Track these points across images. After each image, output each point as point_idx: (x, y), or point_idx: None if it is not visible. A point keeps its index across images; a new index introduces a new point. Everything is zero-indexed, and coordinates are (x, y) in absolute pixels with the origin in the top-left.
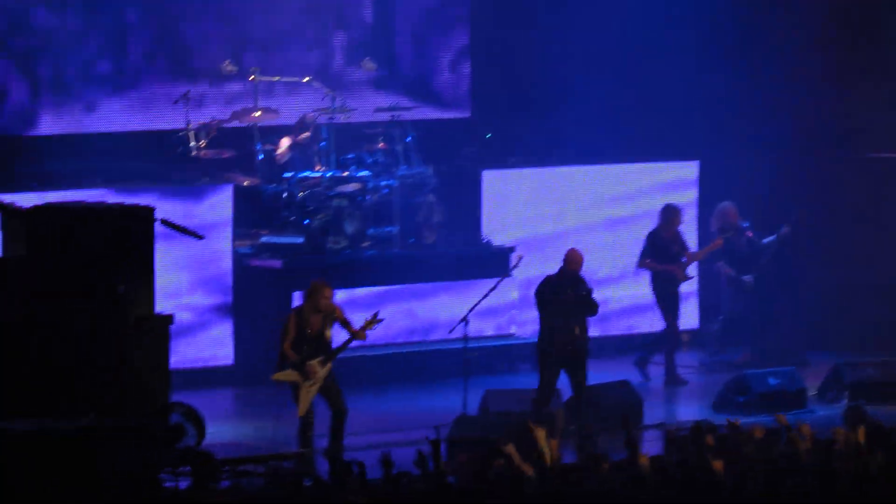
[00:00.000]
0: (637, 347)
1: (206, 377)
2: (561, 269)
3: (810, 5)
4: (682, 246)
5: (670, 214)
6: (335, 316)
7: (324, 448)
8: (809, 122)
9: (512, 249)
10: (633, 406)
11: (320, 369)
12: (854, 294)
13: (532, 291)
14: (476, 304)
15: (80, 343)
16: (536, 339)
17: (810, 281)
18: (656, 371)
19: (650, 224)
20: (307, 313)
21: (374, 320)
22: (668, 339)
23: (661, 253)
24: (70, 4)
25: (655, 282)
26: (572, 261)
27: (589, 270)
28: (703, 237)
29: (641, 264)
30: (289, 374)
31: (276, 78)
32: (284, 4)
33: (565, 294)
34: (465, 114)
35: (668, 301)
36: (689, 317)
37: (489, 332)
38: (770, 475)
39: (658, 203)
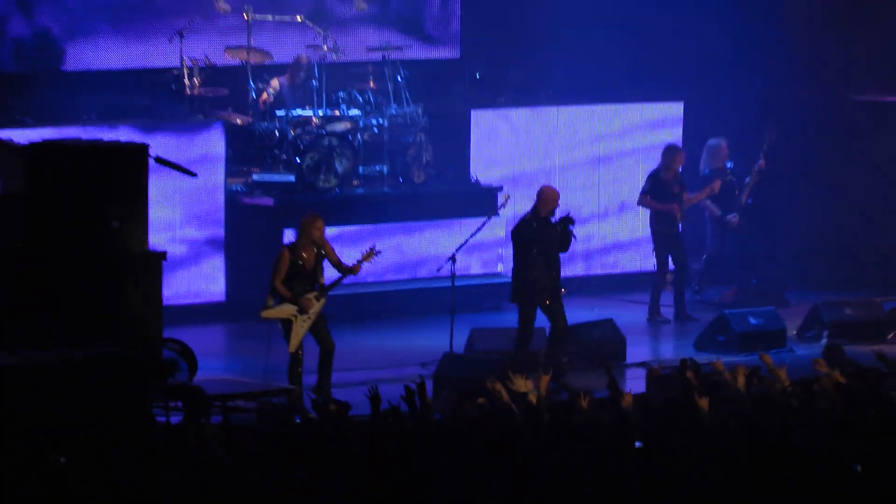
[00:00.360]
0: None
1: (198, 312)
2: (535, 208)
3: None
4: (682, 186)
5: (672, 154)
6: (325, 251)
7: (312, 385)
8: (797, 62)
9: (500, 189)
10: (616, 344)
11: (315, 304)
12: (835, 233)
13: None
14: (464, 243)
15: (76, 277)
16: (511, 279)
17: (792, 220)
18: (642, 309)
19: (634, 163)
20: (300, 248)
21: (372, 253)
22: (664, 280)
23: (662, 192)
24: None
25: (653, 220)
26: (546, 197)
27: (574, 208)
28: (692, 175)
29: (641, 202)
30: (281, 311)
31: (269, 17)
32: None
33: (546, 233)
34: (455, 54)
35: (661, 240)
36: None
37: (476, 270)
38: (752, 413)
39: (642, 142)
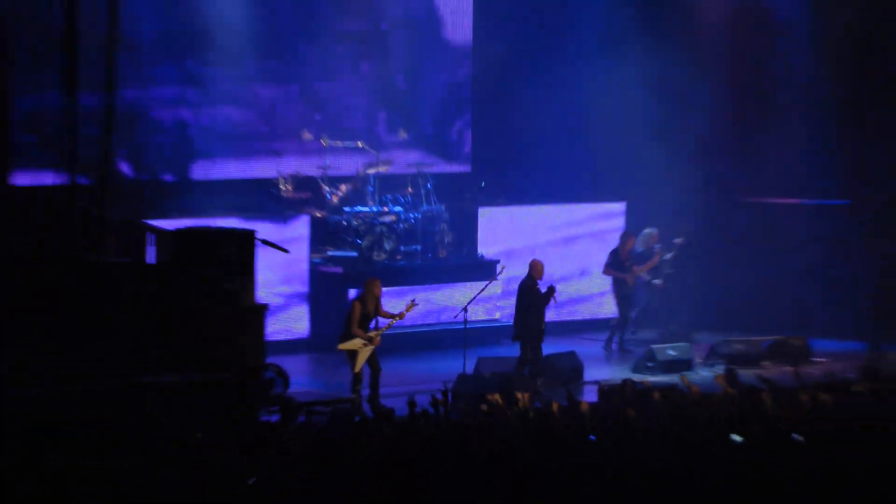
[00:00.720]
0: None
1: (290, 345)
2: (529, 274)
3: (720, 75)
4: (634, 260)
5: (626, 238)
6: (380, 303)
7: (367, 395)
8: (704, 171)
9: (497, 261)
10: (577, 369)
11: (375, 339)
12: (731, 295)
13: (514, 288)
14: (473, 298)
15: (208, 323)
16: (514, 323)
17: (701, 285)
18: (596, 345)
19: (591, 243)
20: (366, 301)
21: (412, 305)
22: (620, 324)
23: (619, 265)
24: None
25: (614, 284)
26: (535, 268)
27: (550, 273)
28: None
29: (605, 271)
30: (352, 344)
31: (339, 143)
32: (347, 90)
33: (537, 294)
34: (467, 168)
35: (621, 298)
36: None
37: (481, 317)
38: (670, 417)
39: (597, 228)
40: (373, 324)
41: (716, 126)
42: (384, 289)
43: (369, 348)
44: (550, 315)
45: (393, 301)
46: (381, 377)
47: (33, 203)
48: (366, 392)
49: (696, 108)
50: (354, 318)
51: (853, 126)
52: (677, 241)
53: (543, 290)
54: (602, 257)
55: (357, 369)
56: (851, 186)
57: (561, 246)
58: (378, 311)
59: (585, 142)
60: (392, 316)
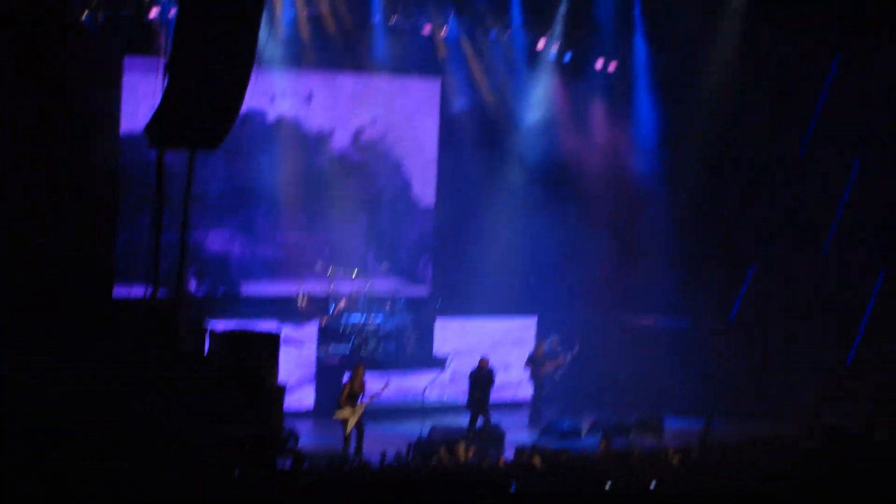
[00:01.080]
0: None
1: (300, 414)
2: (479, 366)
3: (603, 229)
4: (546, 358)
5: (539, 343)
6: (363, 383)
7: (354, 449)
8: (594, 294)
9: (447, 357)
10: (501, 436)
11: (360, 409)
12: (609, 382)
13: (467, 376)
14: (429, 384)
15: (249, 399)
16: (467, 401)
17: (588, 374)
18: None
19: (512, 347)
20: (354, 382)
21: (386, 385)
22: (535, 403)
23: (534, 361)
24: (246, 240)
25: (532, 375)
26: (483, 363)
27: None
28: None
29: (526, 364)
30: (343, 413)
31: (341, 271)
32: (348, 235)
33: (483, 380)
34: (427, 291)
35: (536, 385)
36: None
37: (435, 397)
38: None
39: (517, 336)
40: (360, 398)
41: (599, 264)
42: (369, 374)
43: (356, 416)
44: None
45: (374, 382)
46: (364, 437)
47: (127, 307)
48: (353, 446)
49: (587, 250)
50: (344, 394)
51: (695, 266)
52: (575, 349)
53: (485, 377)
54: (519, 357)
55: (347, 432)
56: (694, 307)
57: (494, 346)
58: (362, 389)
59: (510, 273)
60: (371, 393)
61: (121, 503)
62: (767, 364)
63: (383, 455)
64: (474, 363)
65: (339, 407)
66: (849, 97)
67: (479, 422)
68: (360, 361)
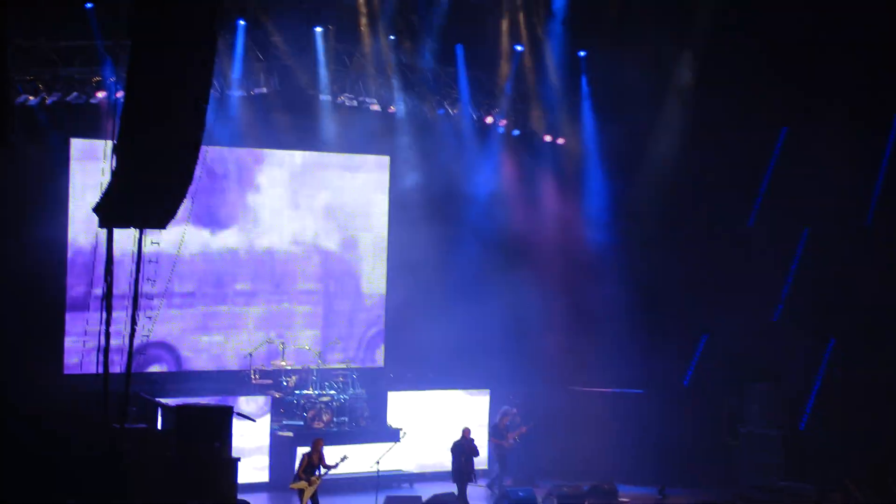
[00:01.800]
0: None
1: (255, 487)
2: (462, 436)
3: (555, 301)
4: (508, 430)
5: (504, 415)
6: (322, 456)
7: None
8: (535, 364)
9: (400, 429)
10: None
11: (317, 481)
12: (563, 452)
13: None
14: (383, 455)
15: (200, 469)
16: (452, 472)
17: (541, 446)
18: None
19: (464, 418)
20: (313, 454)
21: (343, 459)
22: (499, 473)
23: (499, 433)
24: None
25: (494, 446)
26: (466, 433)
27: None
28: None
29: (489, 439)
30: (300, 484)
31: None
32: (304, 322)
33: (466, 449)
34: (380, 364)
35: (499, 455)
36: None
37: (391, 466)
38: None
39: (469, 408)
40: (317, 471)
41: (552, 336)
42: (325, 448)
43: (313, 487)
44: (439, 465)
45: (329, 454)
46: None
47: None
48: None
49: (539, 323)
50: (303, 466)
51: (648, 336)
52: (531, 423)
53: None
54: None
55: (304, 503)
56: (647, 377)
57: (446, 417)
58: (321, 461)
59: (462, 346)
60: (328, 466)
61: None
62: (720, 431)
63: None
64: (455, 435)
65: (297, 478)
66: (796, 168)
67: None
68: (319, 435)
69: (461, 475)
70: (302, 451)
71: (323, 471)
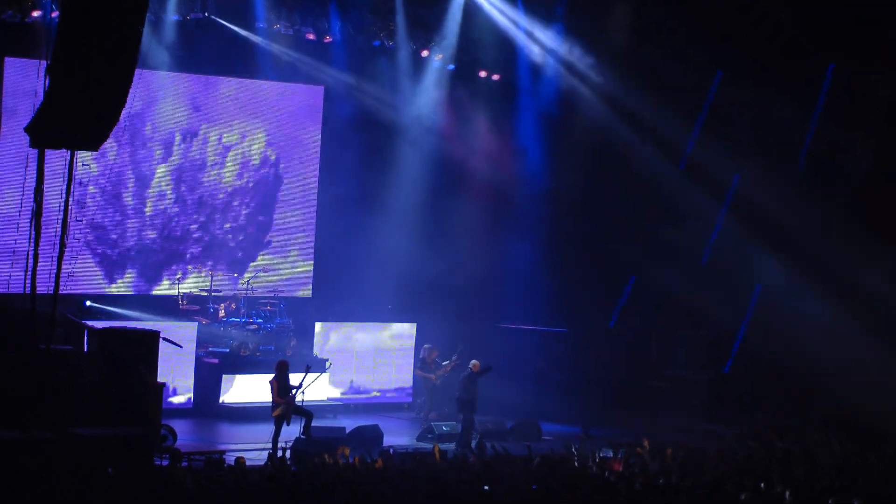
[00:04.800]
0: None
1: (178, 412)
2: (470, 370)
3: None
4: (438, 366)
5: (431, 350)
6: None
7: (295, 439)
8: (476, 303)
9: (326, 360)
10: (379, 437)
11: (292, 402)
12: (487, 389)
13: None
14: (307, 385)
15: (124, 394)
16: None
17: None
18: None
19: (395, 355)
20: (280, 377)
21: (307, 371)
22: (427, 407)
23: (426, 368)
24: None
25: (422, 380)
26: (474, 366)
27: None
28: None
29: (415, 373)
30: (279, 410)
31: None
32: (229, 234)
33: (472, 383)
34: (308, 293)
35: (427, 390)
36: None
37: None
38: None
39: (398, 346)
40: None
41: (478, 271)
42: (246, 376)
43: (291, 406)
44: (363, 397)
45: (247, 382)
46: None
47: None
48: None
49: (466, 259)
50: (275, 391)
51: (571, 278)
52: (454, 358)
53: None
54: (398, 362)
55: (288, 424)
56: (574, 317)
57: (372, 351)
58: (288, 381)
59: (389, 281)
60: (300, 385)
61: None
62: (645, 372)
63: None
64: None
65: (275, 406)
66: (729, 113)
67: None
68: (241, 364)
69: (462, 406)
70: (231, 377)
71: (294, 391)
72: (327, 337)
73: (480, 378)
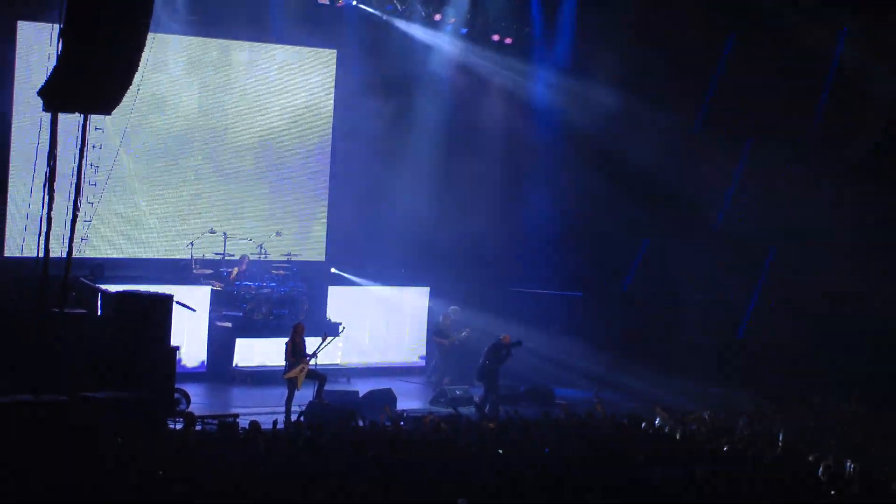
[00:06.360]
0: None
1: (192, 376)
2: (500, 341)
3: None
4: (451, 330)
5: (446, 316)
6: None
7: (309, 403)
8: (490, 268)
9: (340, 323)
10: (392, 399)
11: (306, 366)
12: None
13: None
14: (321, 348)
15: (141, 356)
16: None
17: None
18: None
19: (412, 319)
20: (296, 339)
21: (324, 339)
22: (440, 371)
23: (441, 331)
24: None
25: (436, 345)
26: (504, 338)
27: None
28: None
29: (433, 334)
30: (293, 372)
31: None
32: (242, 199)
33: (500, 354)
34: (321, 257)
35: (441, 354)
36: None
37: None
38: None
39: (415, 306)
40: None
41: (493, 235)
42: (261, 339)
43: (304, 369)
44: (376, 360)
45: (256, 347)
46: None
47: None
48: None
49: (481, 223)
50: (289, 352)
51: (584, 242)
52: (467, 330)
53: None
54: (412, 326)
55: (299, 388)
56: (583, 283)
57: (385, 315)
58: (304, 345)
59: (403, 245)
60: (315, 352)
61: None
62: (657, 337)
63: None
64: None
65: (289, 367)
66: (743, 77)
67: (482, 393)
68: (255, 327)
69: (483, 375)
70: (243, 342)
71: (312, 353)
72: (341, 298)
73: (507, 351)
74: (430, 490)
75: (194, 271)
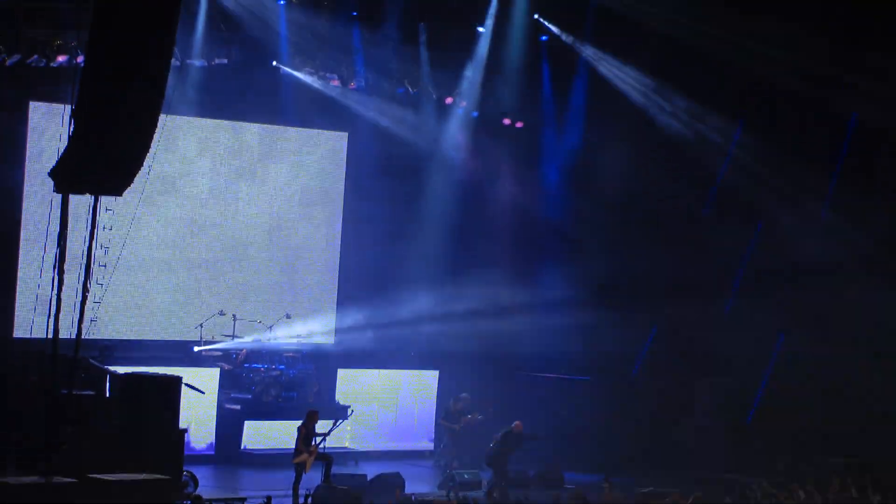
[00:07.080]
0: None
1: (200, 457)
2: (512, 428)
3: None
4: (461, 414)
5: (457, 401)
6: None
7: (317, 486)
8: (500, 353)
9: (348, 406)
10: (401, 483)
11: (315, 450)
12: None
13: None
14: (330, 430)
15: (145, 438)
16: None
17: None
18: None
19: (414, 402)
20: (308, 425)
21: (335, 423)
22: (451, 455)
23: (451, 417)
24: None
25: (446, 429)
26: (517, 426)
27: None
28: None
29: (442, 418)
30: (301, 458)
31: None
32: (252, 282)
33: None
34: (332, 341)
35: (451, 439)
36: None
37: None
38: None
39: (415, 392)
40: (314, 441)
41: (501, 320)
42: (275, 422)
43: (312, 457)
44: (384, 444)
45: (264, 430)
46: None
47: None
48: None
49: (490, 307)
50: (300, 438)
51: (594, 326)
52: (478, 415)
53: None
54: (420, 410)
55: (307, 471)
56: (591, 367)
57: (391, 398)
58: (314, 430)
59: (413, 327)
60: (324, 433)
61: None
62: (667, 421)
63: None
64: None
65: (297, 452)
66: (752, 161)
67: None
68: (265, 410)
69: (493, 462)
70: (252, 424)
71: (319, 439)
72: (350, 381)
73: (519, 441)
74: None
75: (203, 353)
